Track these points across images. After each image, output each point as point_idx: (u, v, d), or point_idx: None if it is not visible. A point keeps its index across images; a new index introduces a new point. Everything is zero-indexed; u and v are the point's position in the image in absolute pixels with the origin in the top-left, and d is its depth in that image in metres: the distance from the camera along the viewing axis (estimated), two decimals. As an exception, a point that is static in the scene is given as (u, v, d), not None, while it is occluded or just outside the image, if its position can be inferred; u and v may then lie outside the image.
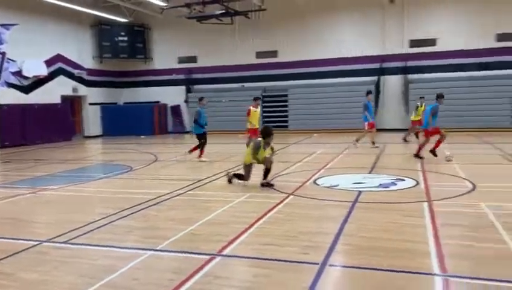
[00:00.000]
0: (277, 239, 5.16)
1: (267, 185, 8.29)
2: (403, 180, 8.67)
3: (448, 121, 19.95)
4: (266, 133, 8.48)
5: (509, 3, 19.72)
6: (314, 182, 8.78)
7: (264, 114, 23.49)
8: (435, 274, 4.03)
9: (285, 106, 23.39)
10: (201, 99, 12.69)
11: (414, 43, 21.36)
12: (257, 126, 13.22)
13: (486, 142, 15.28)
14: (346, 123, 21.33)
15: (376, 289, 3.83)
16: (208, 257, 4.56)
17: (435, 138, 11.41)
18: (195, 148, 12.54)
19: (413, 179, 8.68)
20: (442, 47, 20.95)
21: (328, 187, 8.27)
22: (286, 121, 23.26)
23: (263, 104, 23.57)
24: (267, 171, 8.41)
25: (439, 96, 11.43)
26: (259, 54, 24.02)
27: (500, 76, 19.97)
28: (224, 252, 4.73)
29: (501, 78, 19.86)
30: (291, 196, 7.43)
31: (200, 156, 12.45)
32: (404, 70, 21.44)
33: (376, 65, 21.85)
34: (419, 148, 11.51)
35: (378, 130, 21.27)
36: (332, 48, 22.56)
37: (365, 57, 22.07)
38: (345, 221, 5.81)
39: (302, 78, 23.11)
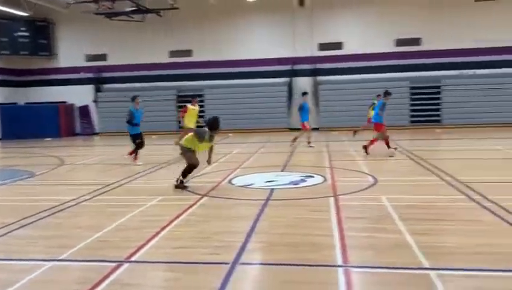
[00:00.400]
0: (189, 241, 5.11)
1: (182, 186, 8.03)
2: (312, 177, 9.05)
3: (354, 121, 21.33)
4: (214, 126, 7.83)
5: (406, 12, 21.49)
6: (229, 181, 8.84)
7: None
8: (338, 265, 4.25)
9: (201, 106, 23.18)
10: (134, 98, 11.89)
11: (322, 46, 22.43)
12: (192, 126, 13.01)
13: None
14: (261, 123, 21.81)
15: (285, 284, 3.94)
16: (115, 264, 4.37)
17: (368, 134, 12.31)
18: (133, 151, 11.84)
19: (321, 175, 9.11)
20: (348, 50, 22.24)
21: (243, 186, 8.37)
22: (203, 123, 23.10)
23: (178, 105, 23.31)
24: (188, 170, 8.03)
25: (387, 94, 12.16)
26: (172, 53, 23.64)
27: (399, 78, 21.67)
28: (133, 258, 4.57)
29: (400, 80, 21.57)
30: (206, 197, 7.40)
31: (135, 158, 11.73)
32: (314, 73, 22.41)
33: (288, 67, 22.59)
34: (371, 143, 12.05)
35: (292, 129, 22.15)
36: (245, 49, 22.92)
37: (277, 59, 22.72)
38: (257, 219, 5.92)
39: (218, 78, 23.17)
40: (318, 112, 22.11)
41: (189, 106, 13.07)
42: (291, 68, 22.57)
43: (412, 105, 21.37)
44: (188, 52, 23.52)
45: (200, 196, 7.41)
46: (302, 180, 8.72)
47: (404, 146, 13.85)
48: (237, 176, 9.38)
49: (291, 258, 4.48)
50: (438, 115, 21.40)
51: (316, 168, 10.15)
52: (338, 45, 22.37)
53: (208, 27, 23.06)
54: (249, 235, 5.20)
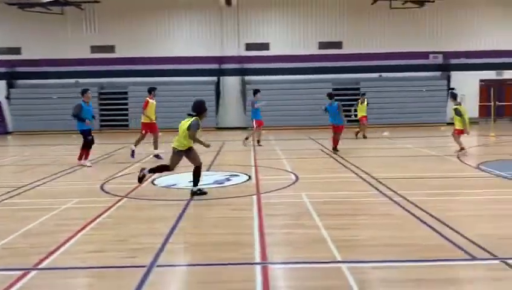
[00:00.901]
0: (104, 245, 4.91)
1: (203, 193, 7.20)
2: (237, 175, 9.11)
3: (278, 120, 21.82)
4: (202, 109, 7.20)
5: (329, 16, 22.40)
6: (152, 182, 8.63)
7: (102, 112, 22.26)
8: (256, 263, 4.32)
9: (125, 104, 22.47)
10: (84, 92, 11.03)
11: (249, 46, 22.66)
12: (154, 120, 12.59)
13: (310, 138, 17.06)
14: (188, 122, 21.52)
15: (201, 285, 3.92)
16: (20, 273, 4.08)
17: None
18: (83, 152, 10.88)
19: (246, 174, 9.19)
20: (275, 51, 22.69)
21: (166, 187, 8.21)
22: (126, 120, 22.35)
23: (100, 102, 22.33)
24: (199, 172, 7.19)
25: (331, 96, 13.02)
26: (94, 48, 22.58)
27: (320, 80, 22.50)
28: (42, 265, 4.30)
29: (322, 82, 22.40)
30: (125, 199, 7.15)
31: (82, 158, 10.83)
32: (242, 72, 22.57)
33: (215, 66, 22.54)
34: (337, 142, 12.60)
35: (219, 128, 22.16)
36: (171, 46, 22.55)
37: (205, 58, 22.58)
38: (178, 220, 5.83)
39: (142, 75, 22.46)
40: (246, 112, 22.30)
41: (149, 99, 12.40)
42: (218, 67, 22.54)
43: (335, 105, 22.27)
44: (110, 48, 22.60)
45: (119, 198, 7.16)
46: (227, 180, 8.74)
47: (327, 145, 14.38)
48: (160, 177, 9.16)
49: (211, 258, 4.47)
50: (357, 115, 22.48)
51: (241, 167, 10.22)
52: (265, 46, 22.73)
53: (132, 22, 22.34)
54: (168, 237, 5.11)
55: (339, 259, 4.34)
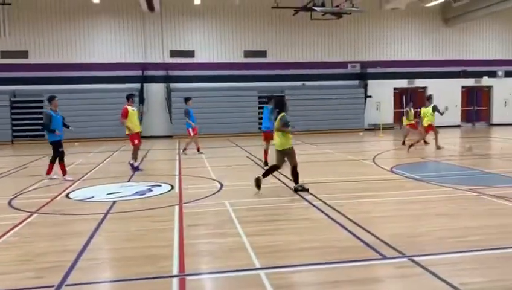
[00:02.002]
0: (9, 266, 4.51)
1: (306, 189, 7.81)
2: (160, 186, 8.87)
3: (204, 128, 21.65)
4: (284, 104, 8.16)
5: (254, 25, 22.76)
6: (67, 196, 8.13)
7: (15, 122, 20.72)
8: (173, 276, 4.20)
9: (40, 113, 21.02)
10: (51, 99, 9.99)
11: (174, 53, 22.33)
12: (138, 129, 11.24)
13: (237, 145, 17.14)
14: (109, 131, 20.67)
15: (115, 302, 3.74)
16: None
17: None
18: (52, 165, 9.90)
19: (169, 184, 8.98)
20: (200, 59, 22.58)
21: (81, 200, 7.77)
22: (42, 130, 20.90)
23: (12, 111, 20.78)
24: (295, 171, 7.90)
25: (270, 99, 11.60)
26: (5, 54, 20.96)
27: (246, 88, 22.75)
28: None
29: (247, 90, 22.67)
30: (36, 214, 6.66)
31: (52, 172, 9.86)
32: (166, 79, 22.16)
33: (138, 72, 21.91)
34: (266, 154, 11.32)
35: (143, 137, 21.52)
36: (90, 51, 21.59)
37: (128, 64, 21.89)
38: (93, 235, 5.53)
39: (59, 82, 21.20)
40: (171, 120, 21.91)
41: (128, 107, 10.96)
42: (142, 74, 21.93)
43: (260, 113, 22.45)
44: (23, 53, 21.09)
45: (28, 214, 6.64)
46: (149, 190, 8.48)
47: (252, 152, 14.53)
48: (76, 189, 8.68)
49: (126, 273, 4.28)
50: (283, 122, 23.03)
51: (165, 177, 9.98)
52: (190, 53, 22.53)
53: (47, 27, 21.07)
54: (80, 254, 4.82)
55: (258, 266, 4.36)
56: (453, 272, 4.07)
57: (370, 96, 23.84)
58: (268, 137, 11.12)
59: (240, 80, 22.71)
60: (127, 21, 21.88)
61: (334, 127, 22.70)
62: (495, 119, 25.59)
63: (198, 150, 14.44)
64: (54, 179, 9.75)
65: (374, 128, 23.26)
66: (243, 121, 22.28)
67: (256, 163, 12.00)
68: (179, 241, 5.23)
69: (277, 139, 7.99)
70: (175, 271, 4.30)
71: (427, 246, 4.88)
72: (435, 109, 13.86)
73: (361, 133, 21.75)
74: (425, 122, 14.01)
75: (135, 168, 10.89)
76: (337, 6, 19.12)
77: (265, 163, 11.09)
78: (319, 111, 22.87)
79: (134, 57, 22.05)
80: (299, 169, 7.99)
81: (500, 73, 25.42)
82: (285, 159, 7.99)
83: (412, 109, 16.34)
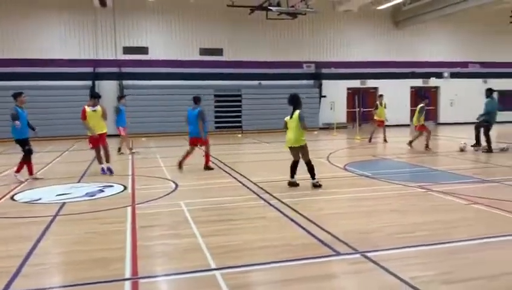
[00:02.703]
0: None
1: (318, 185, 8.05)
2: (112, 186, 8.61)
3: (160, 126, 21.35)
4: (299, 101, 8.19)
5: (210, 23, 22.58)
6: (12, 198, 7.72)
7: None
8: (125, 279, 4.07)
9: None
10: (17, 95, 9.30)
11: (127, 50, 21.77)
12: (100, 131, 10.46)
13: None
14: (60, 130, 19.88)
15: (63, 309, 3.57)
16: None
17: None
18: (25, 163, 9.30)
19: (121, 184, 8.73)
20: (154, 56, 22.13)
21: (28, 202, 7.40)
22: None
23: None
24: (310, 165, 8.11)
25: (198, 100, 11.03)
26: None
27: (202, 86, 22.52)
28: None
29: (203, 88, 22.44)
30: (-24, 218, 6.27)
31: (20, 170, 9.23)
32: (119, 76, 21.55)
33: (90, 69, 21.17)
34: (185, 158, 10.48)
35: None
36: (41, 47, 20.60)
37: (78, 61, 21.11)
38: (40, 238, 5.27)
39: (4, 78, 20.11)
40: (126, 118, 21.31)
41: (86, 108, 10.27)
42: (93, 71, 21.20)
43: (216, 112, 22.47)
44: (-37, 47, 19.86)
45: (-32, 218, 6.24)
46: (100, 191, 8.20)
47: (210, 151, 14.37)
48: (22, 191, 8.26)
49: (75, 278, 4.10)
50: (239, 121, 23.03)
51: (118, 177, 9.69)
52: (144, 50, 22.03)
53: (-10, 19, 19.94)
54: (26, 259, 4.58)
55: (213, 266, 4.31)
56: (403, 267, 4.20)
57: (324, 96, 24.31)
58: (194, 143, 10.52)
59: (195, 77, 22.46)
60: (78, 16, 21.07)
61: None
62: (442, 119, 26.81)
63: (119, 150, 14.05)
64: (40, 178, 9.46)
65: (328, 127, 23.73)
66: (199, 120, 22.05)
67: (212, 162, 11.88)
68: (132, 243, 5.08)
69: (291, 136, 8.02)
70: (127, 274, 4.17)
71: (379, 241, 5.01)
72: (422, 109, 13.74)
73: (315, 132, 22.12)
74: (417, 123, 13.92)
75: (105, 171, 10.04)
76: (292, 6, 19.34)
77: (180, 166, 10.29)
78: (275, 110, 23.00)
79: (85, 53, 21.29)
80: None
81: (446, 74, 26.65)
82: (300, 154, 8.12)
83: (380, 104, 16.82)
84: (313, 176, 8.02)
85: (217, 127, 22.47)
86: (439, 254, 4.58)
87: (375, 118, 16.97)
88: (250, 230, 5.55)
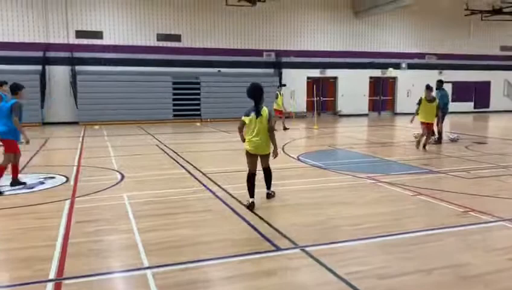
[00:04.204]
0: None
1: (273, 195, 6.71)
2: (53, 178, 8.17)
3: (114, 114, 20.70)
4: (262, 95, 6.08)
5: (167, 7, 21.93)
6: None
7: None
8: (49, 280, 3.79)
9: None
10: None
11: (80, 33, 20.85)
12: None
13: (149, 133, 16.48)
14: None
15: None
16: None
17: None
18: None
19: (64, 175, 8.31)
20: (109, 41, 21.31)
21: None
22: None
23: None
24: (270, 172, 6.59)
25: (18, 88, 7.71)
26: None
27: (159, 73, 21.96)
28: None
29: (160, 75, 21.89)
30: None
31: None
32: (71, 62, 20.63)
33: (39, 54, 20.14)
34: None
35: (45, 124, 19.96)
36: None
37: (27, 44, 20.04)
38: (-38, 236, 4.88)
39: None
40: (77, 105, 20.51)
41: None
42: (43, 55, 20.18)
43: (175, 100, 21.98)
44: None
45: None
46: (41, 183, 7.76)
47: (163, 140, 14.05)
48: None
49: (-8, 280, 3.79)
50: (198, 110, 22.64)
51: (62, 168, 9.23)
52: (98, 34, 21.16)
53: None
54: None
55: (146, 265, 4.10)
56: (342, 262, 4.14)
57: (284, 85, 24.24)
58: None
59: (152, 64, 21.87)
60: (27, -3, 19.96)
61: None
62: (399, 108, 27.41)
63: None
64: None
65: (288, 116, 23.71)
66: (157, 108, 21.56)
67: (164, 151, 11.58)
68: (63, 240, 4.78)
69: (260, 141, 6.06)
70: (52, 275, 3.89)
71: (323, 235, 4.94)
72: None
73: (275, 121, 22.07)
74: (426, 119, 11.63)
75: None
76: (252, -7, 19.05)
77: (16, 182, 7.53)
78: (235, 98, 22.76)
79: (34, 36, 20.22)
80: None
81: (404, 65, 27.20)
82: (261, 162, 6.37)
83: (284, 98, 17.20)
84: (269, 185, 6.58)
85: (175, 115, 22.04)
86: (378, 247, 4.56)
87: (274, 107, 17.27)
88: (192, 224, 5.36)
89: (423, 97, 11.71)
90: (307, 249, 4.47)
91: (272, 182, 7.06)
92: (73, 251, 4.46)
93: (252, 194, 6.08)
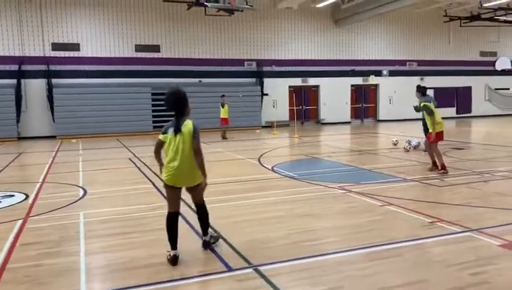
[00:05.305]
0: None
1: (214, 241, 4.90)
2: (13, 196, 7.83)
3: (91, 127, 20.33)
4: (186, 104, 4.62)
5: (145, 18, 21.71)
6: None
7: None
8: (-30, 314, 3.49)
9: None
10: None
11: (56, 46, 20.51)
12: None
13: (124, 146, 16.14)
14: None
15: None
16: None
17: None
18: None
19: (24, 193, 7.96)
20: (86, 53, 21.00)
21: None
22: None
23: None
24: (204, 211, 4.83)
25: None
26: None
27: (138, 84, 21.66)
28: None
29: (139, 86, 21.59)
30: None
31: None
32: (48, 75, 20.25)
33: (14, 67, 19.74)
34: None
35: (22, 138, 19.51)
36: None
37: (1, 58, 19.64)
38: None
39: None
40: (54, 118, 20.11)
41: None
42: (18, 69, 19.77)
43: (154, 111, 21.65)
44: None
45: None
46: (-3, 202, 7.41)
47: (137, 153, 13.73)
48: None
49: None
50: (179, 120, 22.29)
51: (24, 185, 8.89)
52: (75, 46, 20.84)
53: None
54: None
55: (83, 292, 3.81)
56: (293, 282, 3.88)
57: (266, 94, 24.12)
58: None
59: (131, 75, 21.59)
60: (1, 11, 19.58)
61: (232, 125, 22.48)
62: (381, 116, 27.41)
63: None
64: None
65: (270, 125, 23.56)
66: (135, 120, 21.23)
67: (135, 165, 11.26)
68: (2, 265, 4.46)
69: (184, 167, 4.44)
70: (-25, 307, 3.58)
71: (280, 252, 4.68)
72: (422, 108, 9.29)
73: (258, 131, 21.90)
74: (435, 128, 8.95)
75: None
76: (229, 3, 18.92)
77: None
78: (217, 109, 22.53)
79: (9, 49, 19.84)
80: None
81: (385, 72, 27.27)
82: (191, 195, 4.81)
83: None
84: (206, 228, 4.81)
85: (155, 127, 21.68)
86: (334, 264, 4.31)
87: (221, 116, 18.20)
88: (145, 244, 5.07)
89: (429, 103, 9.05)
90: (261, 268, 4.21)
91: (240, 195, 6.79)
92: (8, 277, 4.15)
93: (174, 245, 4.45)
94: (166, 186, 4.58)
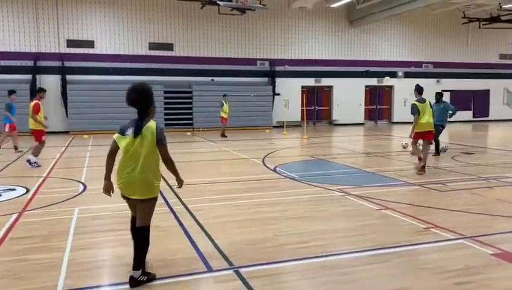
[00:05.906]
0: None
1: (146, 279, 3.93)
2: (14, 189, 7.94)
3: (105, 123, 20.49)
4: (150, 100, 4.16)
5: (159, 16, 21.84)
6: None
7: None
8: None
9: None
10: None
11: (71, 43, 20.79)
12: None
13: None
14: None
15: None
16: None
17: None
18: None
19: (25, 187, 8.07)
20: (100, 50, 21.23)
21: None
22: None
23: None
24: (144, 238, 4.05)
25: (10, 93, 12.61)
26: None
27: (151, 82, 21.72)
28: None
29: (152, 84, 21.57)
30: None
31: None
32: (62, 71, 20.55)
33: (30, 63, 20.10)
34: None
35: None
36: (-26, 38, 19.41)
37: (17, 53, 20.01)
38: None
39: None
40: (67, 114, 20.40)
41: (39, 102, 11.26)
42: (34, 64, 20.13)
43: (166, 109, 21.78)
44: None
45: None
46: (-2, 195, 7.53)
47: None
48: None
49: None
50: (190, 119, 22.43)
51: (28, 179, 9.00)
52: (89, 43, 21.11)
53: None
54: None
55: (63, 288, 3.80)
56: (269, 286, 3.82)
57: (278, 94, 24.02)
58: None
59: (144, 73, 21.67)
60: (17, 6, 19.94)
61: (243, 124, 22.53)
62: (396, 118, 27.01)
63: (15, 148, 13.23)
64: None
65: (281, 125, 23.43)
66: (147, 117, 21.32)
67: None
68: (-16, 259, 4.51)
69: (142, 176, 3.87)
70: (-49, 300, 3.62)
71: (263, 254, 4.61)
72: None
73: (268, 131, 21.82)
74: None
75: (34, 164, 10.46)
76: (241, 2, 18.90)
77: None
78: (230, 108, 22.57)
79: (25, 45, 20.20)
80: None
81: (400, 73, 26.84)
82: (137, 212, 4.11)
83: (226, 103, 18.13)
84: (140, 261, 3.87)
85: (166, 125, 21.78)
86: (315, 269, 4.21)
87: (222, 115, 18.20)
88: (129, 242, 5.02)
89: (420, 103, 9.30)
90: (241, 270, 4.16)
91: (238, 194, 6.73)
92: (-12, 272, 4.18)
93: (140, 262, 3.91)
94: (122, 196, 4.05)
